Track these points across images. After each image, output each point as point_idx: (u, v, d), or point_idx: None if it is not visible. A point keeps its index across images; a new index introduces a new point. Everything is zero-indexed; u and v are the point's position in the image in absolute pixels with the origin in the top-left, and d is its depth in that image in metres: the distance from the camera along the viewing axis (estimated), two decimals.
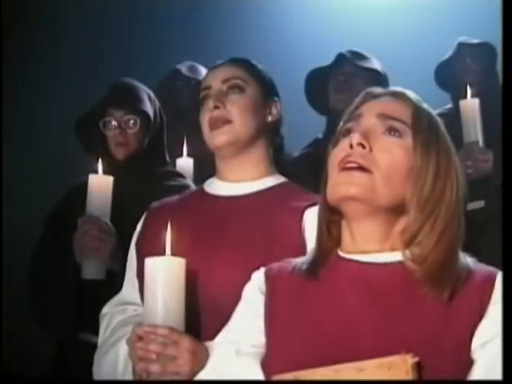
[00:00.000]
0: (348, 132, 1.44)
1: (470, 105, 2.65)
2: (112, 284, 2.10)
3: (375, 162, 1.39)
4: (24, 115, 3.74)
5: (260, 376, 1.37)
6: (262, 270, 1.48)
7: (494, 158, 2.65)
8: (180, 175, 2.55)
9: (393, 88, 1.51)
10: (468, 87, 2.67)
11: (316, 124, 2.93)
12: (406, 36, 3.83)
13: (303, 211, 1.74)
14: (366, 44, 3.03)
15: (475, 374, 1.31)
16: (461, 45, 3.03)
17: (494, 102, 2.86)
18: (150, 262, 1.56)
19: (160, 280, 1.54)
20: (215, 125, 1.81)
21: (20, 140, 3.69)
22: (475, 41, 3.04)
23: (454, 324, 1.33)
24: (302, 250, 1.65)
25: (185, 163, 2.75)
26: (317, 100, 2.91)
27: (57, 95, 3.74)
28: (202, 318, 1.68)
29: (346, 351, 1.31)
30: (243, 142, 1.82)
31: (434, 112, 3.09)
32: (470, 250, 1.47)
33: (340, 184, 1.39)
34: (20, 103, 3.73)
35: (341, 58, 2.85)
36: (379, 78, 2.76)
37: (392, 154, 1.40)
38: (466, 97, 2.67)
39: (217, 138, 1.81)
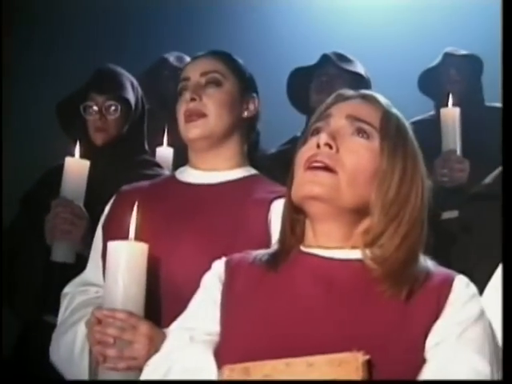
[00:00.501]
0: (317, 131, 1.45)
1: (451, 113, 2.67)
2: (81, 268, 2.10)
3: (341, 162, 1.40)
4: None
5: (212, 364, 1.37)
6: (223, 259, 1.49)
7: (470, 167, 2.67)
8: (157, 165, 2.56)
9: (364, 91, 1.53)
10: (450, 96, 2.70)
11: (296, 122, 2.94)
12: (395, 41, 3.86)
13: (270, 202, 1.76)
14: (354, 46, 3.05)
15: (425, 373, 1.32)
16: (447, 54, 3.06)
17: (475, 113, 2.90)
18: (113, 246, 1.57)
19: (121, 264, 1.55)
20: (190, 118, 1.82)
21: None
22: (462, 52, 3.06)
23: (410, 323, 1.34)
24: (266, 241, 1.68)
25: (164, 152, 2.75)
26: (298, 99, 2.92)
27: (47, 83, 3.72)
28: (163, 303, 1.69)
29: (299, 344, 1.32)
30: (217, 136, 1.83)
31: (417, 118, 3.16)
32: (440, 258, 1.49)
33: (305, 183, 1.40)
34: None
35: (325, 58, 2.86)
36: (362, 82, 2.77)
37: (358, 156, 1.41)
38: (447, 105, 2.70)
39: (190, 131, 1.82)
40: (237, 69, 1.91)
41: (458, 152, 2.66)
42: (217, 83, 1.85)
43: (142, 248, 1.57)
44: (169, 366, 1.40)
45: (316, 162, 1.40)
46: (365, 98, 1.49)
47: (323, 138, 1.41)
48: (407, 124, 1.49)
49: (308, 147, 1.44)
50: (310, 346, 1.30)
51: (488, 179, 2.55)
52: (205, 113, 1.82)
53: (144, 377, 1.44)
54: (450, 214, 2.75)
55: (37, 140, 3.52)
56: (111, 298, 1.55)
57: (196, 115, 1.82)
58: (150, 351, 1.51)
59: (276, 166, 2.23)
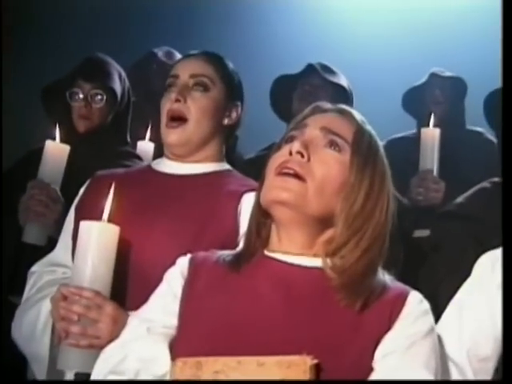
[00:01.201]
0: (291, 139, 1.49)
1: (431, 133, 2.70)
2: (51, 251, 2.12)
3: (311, 171, 1.44)
4: None
5: (166, 355, 1.40)
6: (188, 256, 1.52)
7: (445, 188, 2.71)
8: (138, 157, 2.58)
9: (341, 106, 1.57)
10: (432, 116, 2.73)
11: (277, 129, 2.96)
12: (382, 55, 3.91)
13: (242, 195, 1.79)
14: (341, 58, 3.08)
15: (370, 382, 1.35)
16: (433, 75, 3.10)
17: (455, 135, 2.95)
18: (85, 226, 1.60)
19: (92, 244, 1.57)
20: (170, 123, 1.85)
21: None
22: (447, 73, 3.10)
23: (361, 333, 1.37)
24: (235, 231, 1.72)
25: (145, 147, 2.77)
26: (280, 106, 2.95)
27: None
28: (129, 287, 1.71)
29: (252, 345, 1.35)
30: (194, 143, 1.87)
31: (399, 134, 3.18)
32: (409, 275, 1.52)
33: (273, 188, 1.44)
34: None
35: (310, 68, 2.89)
36: (344, 94, 2.80)
37: (328, 167, 1.45)
38: (428, 125, 2.73)
39: (169, 137, 1.86)
40: (226, 75, 1.92)
41: (435, 172, 2.70)
42: (204, 87, 1.87)
43: (113, 230, 1.60)
44: (124, 354, 1.42)
45: (287, 168, 1.44)
46: (341, 112, 1.53)
47: (296, 146, 1.45)
48: (379, 142, 1.53)
49: (281, 154, 1.48)
50: (262, 348, 1.33)
51: (460, 199, 2.59)
52: (186, 117, 1.85)
53: (99, 363, 1.46)
54: (421, 233, 2.78)
55: (20, 122, 3.52)
56: (79, 276, 1.58)
57: (177, 119, 1.85)
58: (113, 332, 1.53)
59: (252, 171, 2.27)
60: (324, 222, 1.45)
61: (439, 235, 2.67)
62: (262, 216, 1.49)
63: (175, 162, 1.87)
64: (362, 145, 1.48)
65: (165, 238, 1.72)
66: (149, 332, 1.44)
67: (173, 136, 1.84)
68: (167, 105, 1.86)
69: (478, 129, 3.12)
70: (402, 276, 1.55)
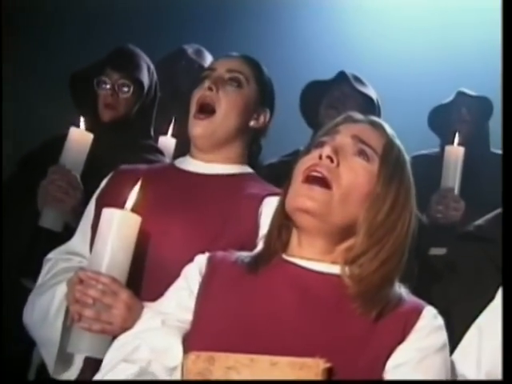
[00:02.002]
0: (321, 145, 1.49)
1: (455, 152, 2.69)
2: (67, 239, 2.11)
3: (338, 177, 1.44)
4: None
5: (179, 348, 1.40)
6: (207, 254, 1.53)
7: (465, 209, 2.69)
8: (160, 152, 2.57)
9: (372, 117, 1.58)
10: (457, 134, 2.72)
11: (301, 136, 2.96)
12: (413, 70, 3.90)
13: (263, 197, 1.79)
14: (371, 70, 3.07)
15: None
16: (460, 93, 3.09)
17: (479, 155, 2.93)
18: (108, 212, 1.60)
19: (113, 230, 1.57)
20: (199, 114, 1.85)
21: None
22: (474, 93, 3.09)
23: (375, 343, 1.37)
24: (255, 233, 1.72)
25: (167, 142, 2.76)
26: (308, 111, 2.94)
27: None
28: (145, 278, 1.71)
29: (265, 345, 1.35)
30: (219, 137, 1.87)
31: (422, 152, 3.16)
32: (422, 291, 1.52)
33: (299, 195, 1.44)
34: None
35: (342, 75, 2.89)
36: (372, 107, 2.80)
37: (356, 174, 1.45)
38: (453, 143, 2.72)
39: (195, 128, 1.86)
40: (261, 79, 1.95)
41: (456, 191, 2.68)
42: (238, 83, 1.89)
43: (135, 219, 1.60)
44: (138, 343, 1.42)
45: (315, 171, 1.44)
46: (373, 124, 1.54)
47: (326, 150, 1.45)
48: (407, 158, 1.54)
49: (310, 157, 1.48)
50: (274, 349, 1.33)
51: (480, 221, 2.57)
52: (215, 107, 1.85)
53: (111, 351, 1.46)
54: (437, 251, 2.76)
55: (45, 109, 3.52)
56: (97, 261, 1.58)
57: (206, 110, 1.85)
58: (127, 320, 1.53)
59: (273, 176, 2.27)
60: (346, 230, 1.46)
61: (455, 255, 2.65)
62: (285, 218, 1.49)
63: (199, 161, 1.88)
64: (390, 157, 1.49)
65: (184, 235, 1.72)
66: (163, 324, 1.44)
67: (199, 128, 1.85)
68: (199, 92, 1.88)
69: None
70: (415, 292, 1.54)
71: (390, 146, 1.50)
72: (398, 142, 1.53)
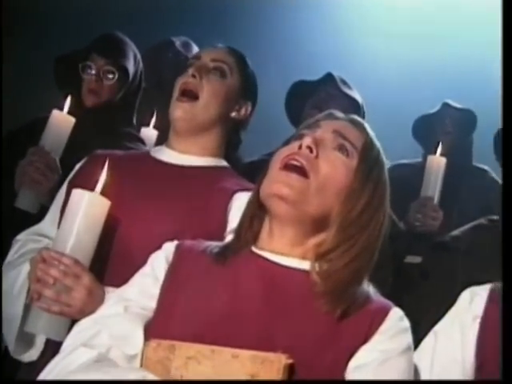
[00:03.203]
0: (301, 137, 1.48)
1: (437, 162, 2.70)
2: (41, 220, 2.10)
3: (317, 168, 1.43)
4: None
5: (140, 335, 1.39)
6: (175, 242, 1.51)
7: (443, 218, 2.70)
8: (141, 141, 2.56)
9: (355, 116, 1.57)
10: (440, 144, 2.73)
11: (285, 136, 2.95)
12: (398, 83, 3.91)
13: (234, 193, 1.78)
14: (357, 75, 3.07)
15: None
16: (445, 105, 3.10)
17: (460, 168, 2.95)
18: (77, 193, 1.59)
19: (81, 212, 1.56)
20: (182, 96, 1.85)
21: None
22: (459, 105, 3.11)
23: (338, 341, 1.35)
24: (221, 228, 1.71)
25: (148, 133, 2.75)
26: (294, 111, 2.93)
27: None
28: (111, 264, 1.70)
29: (227, 336, 1.34)
30: (199, 123, 1.86)
31: (404, 160, 3.17)
32: (393, 300, 1.52)
33: (276, 182, 1.43)
34: None
35: (329, 77, 2.89)
36: (357, 110, 2.80)
37: (334, 168, 1.44)
38: (435, 153, 2.73)
39: (176, 110, 1.85)
40: (245, 71, 1.96)
41: (436, 201, 2.69)
42: (222, 73, 1.90)
43: (104, 203, 1.59)
44: (98, 329, 1.40)
45: (294, 160, 1.43)
46: (354, 122, 1.54)
47: (307, 140, 1.45)
48: (385, 160, 1.54)
49: (289, 147, 1.48)
50: (235, 341, 1.32)
51: (456, 232, 2.58)
52: (197, 94, 1.85)
53: (72, 335, 1.44)
54: (413, 259, 2.77)
55: (29, 91, 3.50)
56: (62, 242, 1.57)
57: (188, 95, 1.85)
58: (86, 303, 1.53)
59: (253, 173, 2.28)
60: (318, 223, 1.44)
61: (430, 264, 2.66)
62: (258, 209, 1.48)
63: (174, 152, 1.88)
64: (370, 155, 1.49)
65: (152, 223, 1.72)
66: (125, 311, 1.43)
67: (180, 110, 1.85)
68: (183, 79, 1.88)
69: (484, 166, 3.12)
70: (388, 299, 1.54)
71: (369, 145, 1.50)
72: (378, 143, 1.53)
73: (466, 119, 3.05)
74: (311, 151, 1.43)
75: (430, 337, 1.62)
